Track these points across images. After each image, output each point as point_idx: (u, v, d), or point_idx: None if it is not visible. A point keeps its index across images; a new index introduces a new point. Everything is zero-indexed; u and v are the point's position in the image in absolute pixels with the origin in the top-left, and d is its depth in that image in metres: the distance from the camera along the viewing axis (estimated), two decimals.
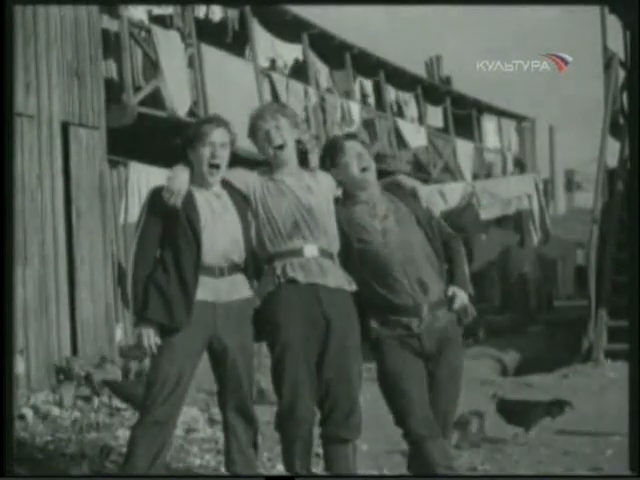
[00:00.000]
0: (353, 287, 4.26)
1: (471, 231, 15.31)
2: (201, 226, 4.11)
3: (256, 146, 4.36)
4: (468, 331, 4.49)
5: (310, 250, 4.21)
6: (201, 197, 4.18)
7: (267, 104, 4.52)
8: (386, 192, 4.43)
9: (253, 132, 4.32)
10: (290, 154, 4.31)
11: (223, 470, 4.73)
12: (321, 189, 4.32)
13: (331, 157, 4.38)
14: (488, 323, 15.85)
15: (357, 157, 4.34)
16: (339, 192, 4.41)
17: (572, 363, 11.00)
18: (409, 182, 4.59)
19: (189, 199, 4.14)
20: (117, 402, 7.71)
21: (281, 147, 4.27)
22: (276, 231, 4.21)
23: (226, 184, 4.27)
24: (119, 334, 10.17)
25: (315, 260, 4.20)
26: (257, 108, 4.43)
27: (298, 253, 4.20)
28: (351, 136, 4.52)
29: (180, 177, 4.16)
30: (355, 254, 4.27)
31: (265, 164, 4.40)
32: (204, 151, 4.16)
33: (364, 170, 4.33)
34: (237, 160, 4.55)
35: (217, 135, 4.16)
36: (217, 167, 4.18)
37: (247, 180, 4.30)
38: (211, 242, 4.12)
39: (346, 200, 4.38)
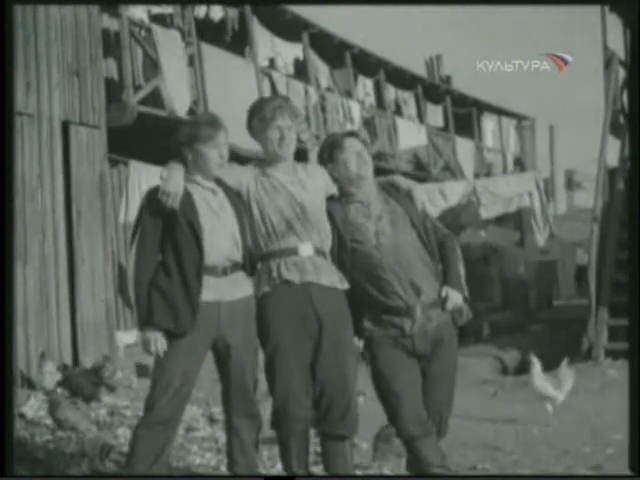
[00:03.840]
0: (345, 285, 4.26)
1: (471, 229, 15.32)
2: (201, 226, 4.09)
3: (259, 136, 4.30)
4: (471, 330, 4.48)
5: (305, 249, 4.20)
6: (198, 196, 4.16)
7: (284, 100, 4.42)
8: (382, 192, 4.42)
9: (264, 123, 4.26)
10: (291, 152, 4.31)
11: (223, 469, 4.73)
12: (314, 184, 4.31)
13: (330, 153, 4.37)
14: (489, 322, 15.87)
15: (356, 155, 4.33)
16: (334, 189, 4.39)
17: (572, 362, 11.00)
18: (405, 183, 4.58)
19: (187, 199, 4.11)
20: (118, 401, 7.72)
21: (289, 145, 4.27)
22: (270, 230, 4.20)
23: (220, 181, 4.26)
24: (132, 337, 10.17)
25: (310, 259, 4.20)
26: (275, 101, 4.35)
27: (293, 252, 4.19)
28: (352, 134, 4.51)
29: (175, 178, 4.12)
30: (348, 253, 4.27)
31: (257, 159, 4.39)
32: (211, 153, 4.14)
33: (361, 169, 4.33)
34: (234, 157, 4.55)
35: (223, 136, 4.15)
36: (221, 167, 4.18)
37: (240, 177, 4.28)
38: (211, 242, 4.10)
39: (341, 198, 4.37)
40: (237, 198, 4.25)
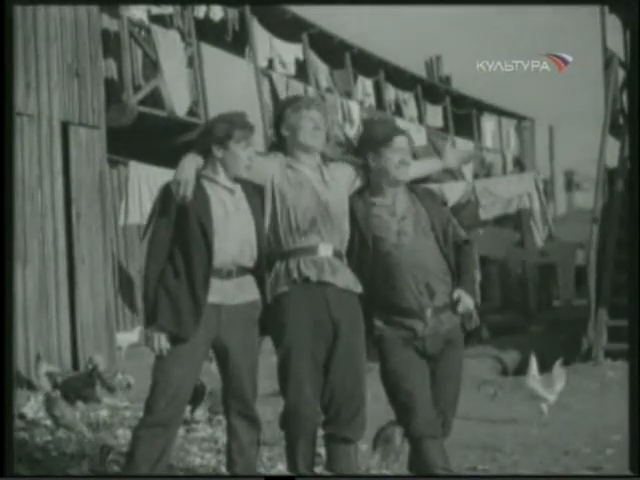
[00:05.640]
0: (359, 289, 4.25)
1: (470, 227, 15.32)
2: (213, 230, 4.06)
3: (290, 127, 4.28)
4: (471, 332, 4.47)
5: (325, 249, 4.18)
6: (215, 197, 4.12)
7: (316, 97, 4.48)
8: (410, 192, 4.40)
9: (299, 114, 4.26)
10: (320, 145, 4.32)
11: (223, 469, 4.73)
12: (338, 185, 4.29)
13: (377, 143, 4.32)
14: (489, 323, 15.87)
15: (399, 160, 4.30)
16: (357, 183, 4.37)
17: (572, 363, 11.01)
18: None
19: (203, 199, 4.08)
20: (117, 401, 7.72)
21: (320, 137, 4.27)
22: (294, 226, 4.17)
23: (239, 177, 4.21)
24: (135, 336, 10.18)
25: (327, 259, 4.18)
26: (308, 96, 4.42)
27: (313, 251, 4.17)
28: (401, 131, 4.47)
29: (187, 166, 4.09)
30: (370, 250, 4.25)
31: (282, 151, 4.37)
32: (242, 153, 4.12)
33: (401, 174, 4.31)
34: None
35: (252, 138, 4.16)
36: (250, 168, 4.16)
37: (264, 170, 4.24)
38: (221, 246, 4.07)
39: (366, 192, 4.34)
40: (257, 196, 4.21)
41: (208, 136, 4.18)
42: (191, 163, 4.13)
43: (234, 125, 4.16)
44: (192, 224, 4.06)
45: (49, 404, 6.56)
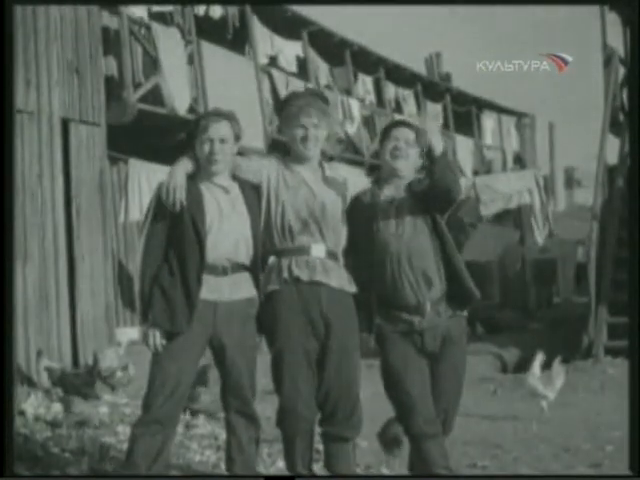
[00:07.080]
0: (353, 288, 4.25)
1: (469, 222, 15.35)
2: (206, 228, 4.07)
3: (285, 132, 4.30)
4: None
5: (317, 250, 4.19)
6: (209, 195, 4.14)
7: (313, 97, 4.35)
8: (413, 182, 4.39)
9: (289, 121, 4.24)
10: (317, 151, 4.27)
11: (223, 466, 4.73)
12: (339, 185, 4.30)
13: (381, 137, 4.39)
14: (488, 320, 15.87)
15: (393, 148, 4.31)
16: (363, 185, 4.37)
17: (572, 360, 11.01)
18: None
19: (197, 197, 4.10)
20: (117, 398, 7.73)
21: (314, 145, 4.22)
22: (286, 227, 4.18)
23: (237, 177, 4.23)
24: (136, 333, 10.18)
25: (320, 260, 4.19)
26: (302, 97, 4.30)
27: (305, 251, 4.18)
28: (404, 123, 4.44)
29: (177, 173, 4.11)
30: (372, 242, 4.25)
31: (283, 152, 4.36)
32: (203, 147, 4.15)
33: (395, 157, 4.31)
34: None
35: (214, 130, 4.12)
36: (216, 162, 4.15)
37: (261, 169, 4.25)
38: (215, 244, 4.09)
39: (376, 186, 4.37)
40: (254, 195, 4.22)
41: (187, 136, 4.23)
42: (181, 169, 4.15)
43: (199, 119, 4.21)
44: (186, 222, 4.08)
45: (67, 403, 6.61)
